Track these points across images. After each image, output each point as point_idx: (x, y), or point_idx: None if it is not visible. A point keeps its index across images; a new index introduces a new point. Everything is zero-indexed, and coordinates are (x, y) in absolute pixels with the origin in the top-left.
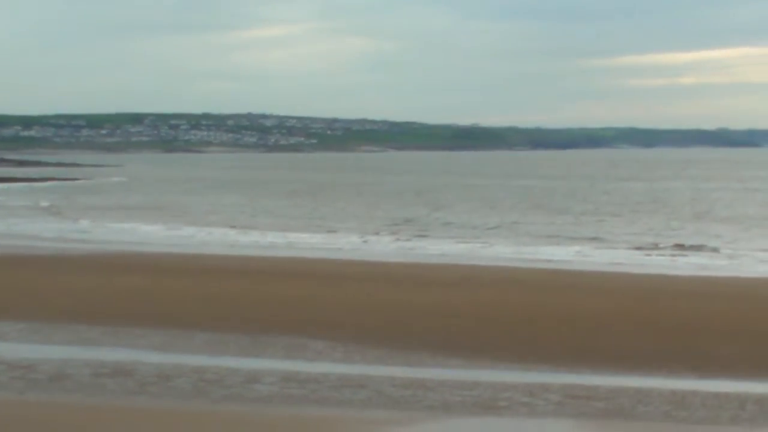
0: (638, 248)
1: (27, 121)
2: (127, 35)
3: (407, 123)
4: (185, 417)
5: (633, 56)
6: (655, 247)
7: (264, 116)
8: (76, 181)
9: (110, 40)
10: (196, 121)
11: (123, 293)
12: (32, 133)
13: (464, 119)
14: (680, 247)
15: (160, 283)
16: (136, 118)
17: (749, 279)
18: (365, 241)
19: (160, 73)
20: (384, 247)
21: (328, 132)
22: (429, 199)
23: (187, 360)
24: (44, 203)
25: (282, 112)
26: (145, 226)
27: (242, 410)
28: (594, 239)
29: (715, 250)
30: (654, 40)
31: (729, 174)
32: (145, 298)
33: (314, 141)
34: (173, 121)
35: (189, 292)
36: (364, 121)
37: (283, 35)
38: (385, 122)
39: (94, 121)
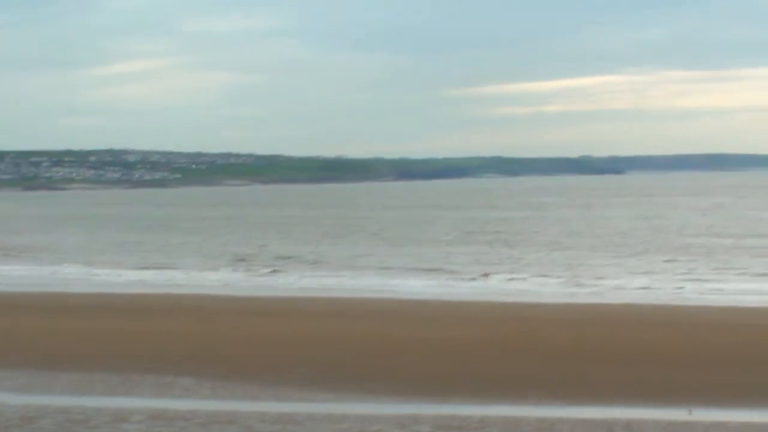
0: (484, 276)
1: None
2: None
3: (273, 156)
4: None
5: (498, 85)
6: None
7: (127, 152)
8: None
9: None
10: (57, 157)
11: None
12: None
13: (330, 151)
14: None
15: (18, 323)
16: None
17: (610, 305)
18: (230, 274)
19: (19, 109)
20: (248, 282)
21: (193, 166)
22: (282, 231)
23: (52, 400)
24: None
25: (145, 147)
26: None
27: None
28: (438, 270)
29: (560, 277)
30: (518, 69)
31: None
32: (4, 339)
33: (178, 176)
34: (34, 159)
35: (52, 331)
36: (229, 155)
37: (145, 70)
38: (250, 156)
39: None
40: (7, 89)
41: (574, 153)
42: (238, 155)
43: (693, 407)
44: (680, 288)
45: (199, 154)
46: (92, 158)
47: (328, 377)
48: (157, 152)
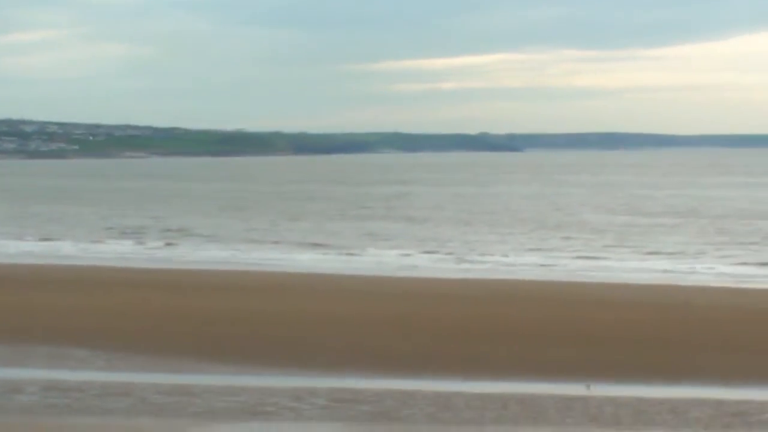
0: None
1: None
2: None
3: (172, 129)
4: None
5: (397, 62)
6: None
7: (24, 122)
8: None
9: None
10: None
11: None
12: None
13: (230, 124)
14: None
15: None
16: None
17: (504, 281)
18: (129, 247)
19: None
20: (142, 254)
21: (91, 138)
22: (178, 204)
23: None
24: None
25: (43, 118)
26: None
27: (4, 421)
28: (330, 246)
29: (451, 253)
30: (417, 46)
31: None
32: None
33: (76, 147)
34: None
35: None
36: (127, 126)
37: (42, 40)
38: (148, 128)
39: None
40: None
41: (472, 130)
42: (136, 127)
43: (591, 383)
44: (574, 265)
45: (97, 126)
46: None
47: (225, 350)
48: (54, 123)
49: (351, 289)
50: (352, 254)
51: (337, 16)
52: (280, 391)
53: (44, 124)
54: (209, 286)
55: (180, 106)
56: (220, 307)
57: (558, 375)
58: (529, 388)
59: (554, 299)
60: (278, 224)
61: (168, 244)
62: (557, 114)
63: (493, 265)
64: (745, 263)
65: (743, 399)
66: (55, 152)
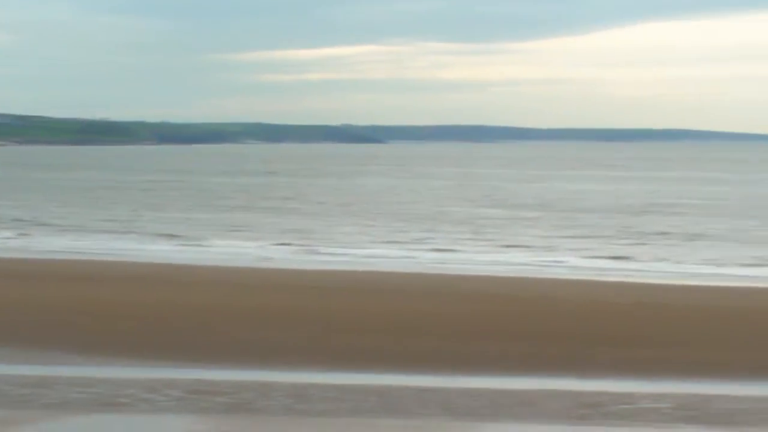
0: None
1: None
2: None
3: (31, 117)
4: None
5: (262, 52)
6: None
7: None
8: None
9: None
10: None
11: None
12: None
13: (93, 113)
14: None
15: None
16: None
17: (363, 272)
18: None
19: None
20: (3, 244)
21: None
22: (34, 194)
23: None
24: None
25: None
26: None
27: None
28: (181, 236)
29: (307, 245)
30: (281, 37)
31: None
32: None
33: None
34: None
35: None
36: None
37: None
38: (6, 116)
39: None
40: None
41: (335, 121)
42: None
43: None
44: (433, 257)
45: None
46: None
47: (82, 342)
48: None
49: (205, 280)
50: (207, 245)
51: (204, 6)
52: (135, 383)
53: None
54: (65, 277)
55: (41, 95)
56: (76, 298)
57: (416, 367)
58: (387, 380)
59: (413, 291)
60: (139, 214)
61: (21, 234)
62: (422, 106)
63: (352, 257)
64: (598, 256)
65: (600, 390)
66: None
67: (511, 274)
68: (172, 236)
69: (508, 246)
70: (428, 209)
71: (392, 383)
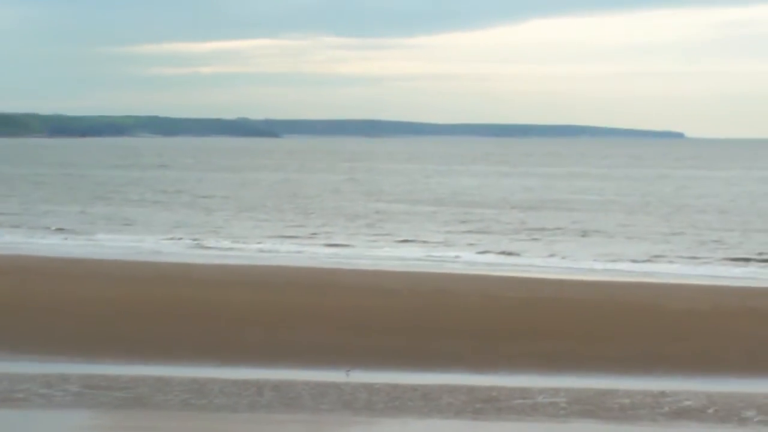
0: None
1: None
2: None
3: None
4: None
5: (156, 45)
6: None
7: None
8: None
9: None
10: None
11: None
12: None
13: None
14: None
15: None
16: None
17: (257, 266)
18: None
19: None
20: None
21: None
22: None
23: None
24: None
25: None
26: None
27: None
28: (71, 231)
29: (199, 239)
30: (176, 29)
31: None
32: None
33: None
34: None
35: None
36: None
37: None
38: None
39: None
40: None
41: (231, 115)
42: None
43: (351, 369)
44: (328, 251)
45: None
46: None
47: None
48: None
49: (97, 274)
50: (98, 239)
51: None
52: (31, 378)
53: None
54: None
55: None
56: None
57: (314, 361)
58: (284, 375)
59: (307, 285)
60: (28, 208)
61: None
62: (318, 100)
63: (245, 251)
64: (493, 251)
65: (493, 385)
66: None
67: (407, 269)
68: (62, 230)
69: (403, 241)
70: (323, 204)
71: (289, 378)
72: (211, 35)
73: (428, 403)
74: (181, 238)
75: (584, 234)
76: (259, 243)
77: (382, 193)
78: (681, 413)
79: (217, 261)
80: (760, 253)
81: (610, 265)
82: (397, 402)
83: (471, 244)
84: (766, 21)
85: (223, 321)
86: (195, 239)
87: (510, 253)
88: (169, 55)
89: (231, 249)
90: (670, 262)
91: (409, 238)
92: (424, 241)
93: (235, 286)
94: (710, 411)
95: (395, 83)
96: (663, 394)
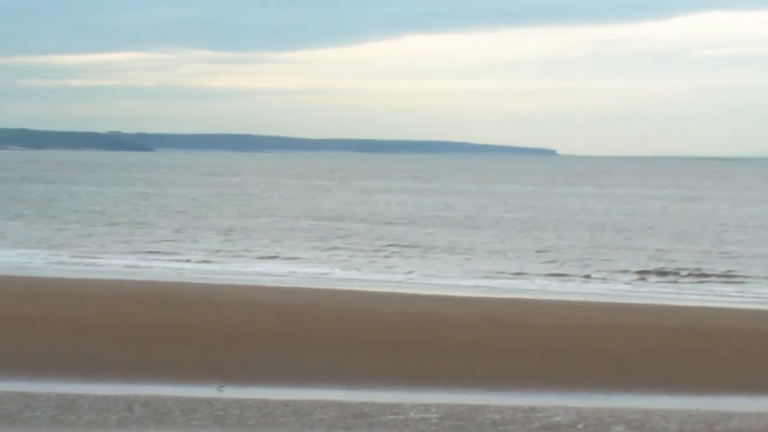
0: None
1: None
2: None
3: None
4: None
5: (23, 57)
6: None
7: None
8: None
9: None
10: None
11: None
12: None
13: None
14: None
15: None
16: None
17: (123, 281)
18: None
19: None
20: None
21: None
22: None
23: None
24: None
25: None
26: None
27: None
28: None
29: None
30: (44, 41)
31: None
32: None
33: None
34: None
35: None
36: None
37: None
38: None
39: None
40: None
41: (103, 128)
42: None
43: (224, 384)
44: (200, 267)
45: None
46: None
47: None
48: None
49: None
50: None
51: None
52: None
53: None
54: None
55: None
56: None
57: (186, 377)
58: (154, 390)
59: (180, 300)
60: None
61: None
62: (190, 114)
63: (108, 266)
64: (362, 267)
65: (365, 401)
66: None
67: (277, 284)
68: None
69: (272, 256)
70: (191, 219)
71: (160, 393)
72: (82, 48)
73: (300, 418)
74: (41, 252)
75: (454, 250)
76: (123, 259)
77: (251, 209)
78: (551, 428)
79: (82, 276)
80: (625, 270)
81: (479, 282)
82: (269, 418)
83: (342, 260)
84: (633, 39)
85: (91, 336)
86: (56, 253)
87: (380, 269)
88: (39, 67)
89: (96, 264)
90: (539, 278)
91: (279, 253)
92: (293, 257)
93: (102, 301)
94: (580, 426)
95: (269, 98)
96: (533, 409)
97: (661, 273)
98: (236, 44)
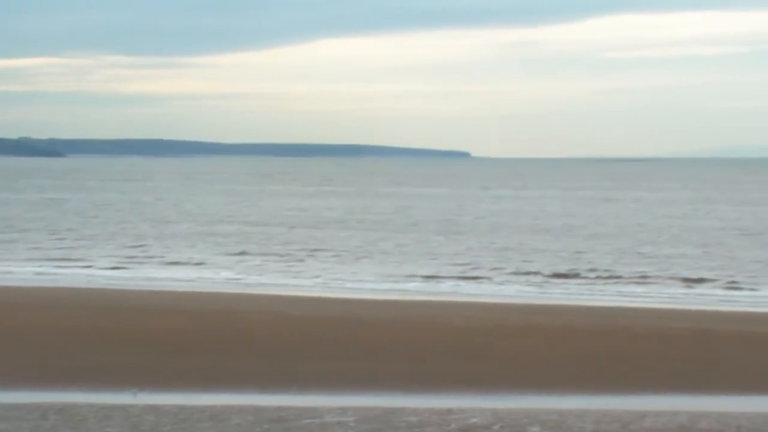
0: None
1: None
2: None
3: None
4: None
5: None
6: None
7: None
8: None
9: None
10: None
11: None
12: None
13: None
14: None
15: None
16: None
17: (31, 288)
18: None
19: None
20: None
21: None
22: None
23: None
24: None
25: None
26: None
27: None
28: None
29: None
30: None
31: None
32: None
33: None
34: None
35: None
36: None
37: None
38: None
39: None
40: None
41: (13, 134)
42: None
43: (139, 390)
44: (110, 273)
45: None
46: None
47: None
48: None
49: None
50: None
51: None
52: None
53: None
54: None
55: None
56: None
57: (100, 383)
58: (69, 398)
59: (93, 306)
60: None
61: None
62: (103, 119)
63: (25, 275)
64: (276, 271)
65: (282, 405)
66: None
67: (191, 289)
68: None
69: (185, 262)
70: (102, 225)
71: (74, 401)
72: None
73: (216, 424)
74: None
75: (370, 253)
76: (34, 265)
77: (164, 213)
78: (468, 430)
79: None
80: (537, 272)
81: (395, 284)
82: (185, 423)
83: (256, 265)
84: (545, 42)
85: (2, 344)
86: None
87: (295, 273)
88: None
89: (5, 272)
90: (455, 280)
91: (191, 258)
92: (203, 263)
93: (13, 308)
94: (496, 427)
95: (184, 102)
96: (450, 411)
97: (576, 274)
98: (150, 49)
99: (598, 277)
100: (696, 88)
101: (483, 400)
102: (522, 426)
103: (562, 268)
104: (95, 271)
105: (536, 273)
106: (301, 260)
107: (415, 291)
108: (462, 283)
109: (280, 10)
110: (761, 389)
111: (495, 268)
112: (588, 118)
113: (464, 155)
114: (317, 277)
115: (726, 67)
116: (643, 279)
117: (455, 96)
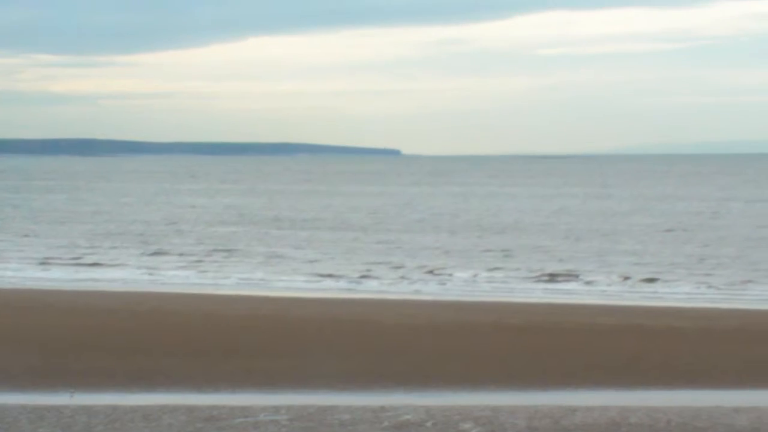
0: None
1: None
2: None
3: None
4: None
5: None
6: None
7: None
8: None
9: None
10: None
11: None
12: None
13: None
14: None
15: None
16: None
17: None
18: None
19: None
20: None
21: None
22: None
23: None
24: None
25: None
26: None
27: None
28: None
29: None
30: None
31: None
32: None
33: None
34: None
35: None
36: None
37: None
38: None
39: None
40: None
41: None
42: None
43: (75, 391)
44: (37, 275)
45: None
46: None
47: None
48: None
49: None
50: None
51: None
52: None
53: None
54: None
55: None
56: None
57: (33, 384)
58: (1, 399)
59: (22, 306)
60: None
61: None
62: (31, 119)
63: None
64: (207, 271)
65: (214, 404)
66: None
67: (118, 289)
68: None
69: (111, 265)
70: (25, 224)
71: (6, 402)
72: None
73: (149, 423)
74: None
75: (301, 251)
76: None
77: (83, 214)
78: (400, 427)
79: None
80: (471, 268)
81: (325, 283)
82: (117, 423)
83: (181, 266)
84: (476, 39)
85: None
86: None
87: (227, 273)
88: None
89: None
90: (385, 278)
91: (114, 259)
92: (122, 264)
93: None
94: (429, 424)
95: (113, 101)
96: (383, 408)
97: (507, 270)
98: (78, 48)
99: (530, 273)
100: (624, 84)
101: (415, 397)
102: (454, 422)
103: (494, 264)
104: (17, 273)
105: (468, 269)
106: (224, 260)
107: (346, 289)
108: (393, 280)
109: (208, 8)
110: (690, 383)
111: (425, 266)
112: (518, 115)
113: (395, 153)
114: (250, 275)
115: (654, 64)
116: (574, 275)
117: (386, 94)
